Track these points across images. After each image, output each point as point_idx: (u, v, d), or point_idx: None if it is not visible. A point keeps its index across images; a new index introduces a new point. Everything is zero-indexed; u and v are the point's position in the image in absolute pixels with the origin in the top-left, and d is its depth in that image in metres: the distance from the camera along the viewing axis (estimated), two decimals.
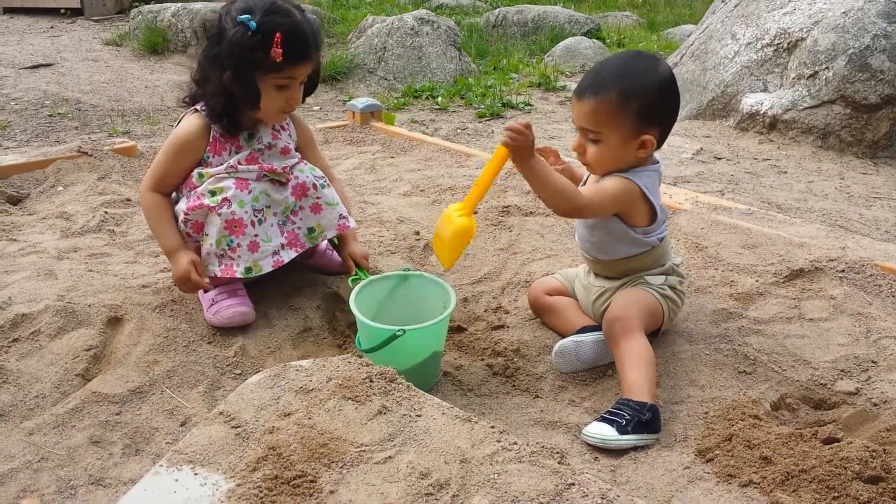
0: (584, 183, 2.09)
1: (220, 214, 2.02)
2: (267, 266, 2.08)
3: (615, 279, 2.05)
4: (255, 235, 2.06)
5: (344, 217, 2.22)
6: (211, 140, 2.09)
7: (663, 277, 2.03)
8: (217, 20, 2.01)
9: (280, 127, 2.19)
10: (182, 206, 2.08)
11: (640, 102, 1.84)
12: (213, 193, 2.03)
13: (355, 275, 2.20)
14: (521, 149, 1.77)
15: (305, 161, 2.22)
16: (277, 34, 1.92)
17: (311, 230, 2.17)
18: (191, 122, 2.09)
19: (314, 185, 2.16)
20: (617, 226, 1.96)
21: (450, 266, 1.89)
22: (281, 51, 1.92)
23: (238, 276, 2.05)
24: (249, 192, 2.05)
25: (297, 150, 2.23)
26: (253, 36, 1.92)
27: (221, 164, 2.08)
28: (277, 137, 2.16)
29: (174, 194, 2.16)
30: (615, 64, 1.91)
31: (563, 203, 1.86)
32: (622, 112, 1.84)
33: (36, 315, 2.04)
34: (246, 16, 1.93)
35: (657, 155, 2.01)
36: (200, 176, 2.08)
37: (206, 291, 2.13)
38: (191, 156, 2.10)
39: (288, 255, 2.13)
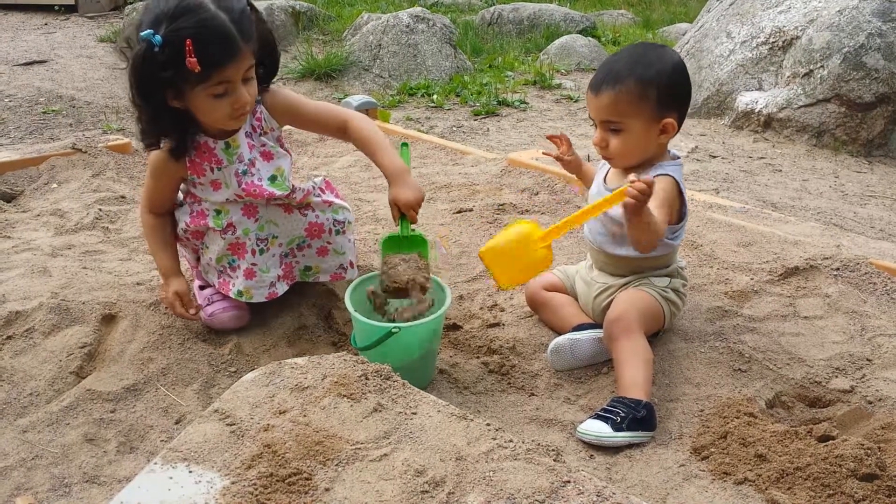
0: (605, 178, 2.07)
1: (224, 238, 1.98)
2: (259, 297, 2.04)
3: (619, 276, 2.05)
4: (254, 264, 2.01)
5: (343, 268, 2.16)
6: (188, 163, 1.94)
7: (668, 280, 2.03)
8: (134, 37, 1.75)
9: (251, 128, 1.97)
10: (184, 216, 2.02)
11: (657, 87, 1.86)
12: (217, 213, 1.97)
13: (398, 224, 1.94)
14: (644, 201, 1.72)
15: (334, 203, 2.12)
16: (187, 41, 1.67)
17: (307, 268, 2.13)
18: (157, 152, 1.94)
19: (330, 230, 2.10)
20: None
21: (506, 288, 1.77)
22: (196, 59, 1.68)
23: (231, 295, 2.03)
24: (256, 220, 1.98)
25: (292, 123, 2.09)
26: (161, 51, 1.68)
27: (209, 184, 1.96)
28: (253, 146, 1.98)
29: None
30: (627, 55, 1.93)
31: (656, 240, 1.84)
32: (642, 99, 1.86)
33: (30, 312, 2.03)
34: (149, 31, 1.68)
35: (674, 150, 2.02)
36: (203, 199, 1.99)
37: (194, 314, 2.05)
38: (169, 179, 1.99)
39: (282, 288, 2.08)
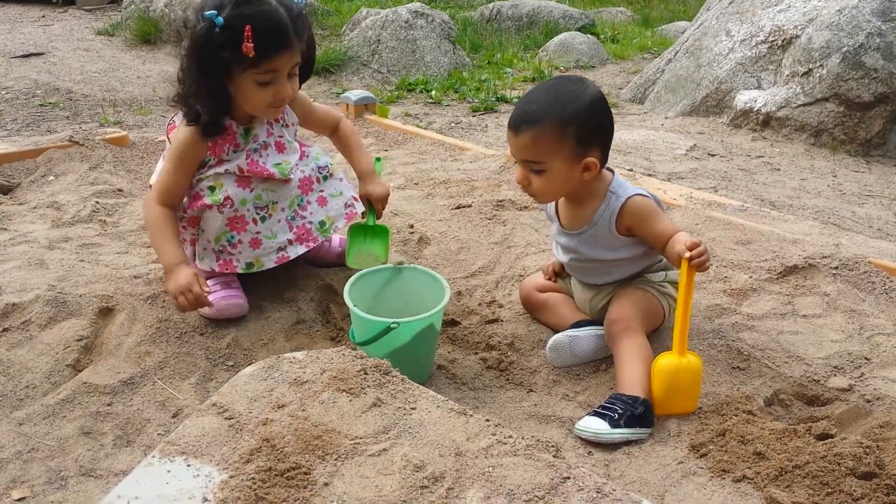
0: (559, 216, 2.04)
1: (222, 212, 1.98)
2: (269, 262, 2.05)
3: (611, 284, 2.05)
4: (258, 233, 2.03)
5: (350, 205, 2.21)
6: (211, 143, 2.01)
7: (663, 274, 2.02)
8: (193, 18, 1.90)
9: (273, 119, 2.10)
10: (182, 201, 2.05)
11: (576, 126, 1.81)
12: (212, 189, 1.98)
13: (363, 221, 2.21)
14: (708, 257, 1.78)
15: (308, 152, 2.18)
16: (247, 27, 1.79)
17: (322, 223, 2.15)
18: (185, 131, 1.99)
19: (317, 179, 2.15)
20: (638, 247, 1.97)
21: (694, 408, 1.80)
22: (252, 45, 1.80)
23: (238, 271, 2.03)
24: (251, 190, 2.01)
25: (300, 121, 2.20)
26: (222, 32, 1.81)
27: (217, 162, 2.02)
28: (271, 133, 2.09)
29: None
30: (545, 92, 1.87)
31: None
32: (561, 138, 1.81)
33: (26, 305, 2.02)
34: (212, 11, 1.81)
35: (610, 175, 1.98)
36: (199, 180, 2.02)
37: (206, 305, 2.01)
38: (194, 164, 2.02)
39: (296, 251, 2.09)
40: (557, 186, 1.89)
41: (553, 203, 2.05)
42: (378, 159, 2.33)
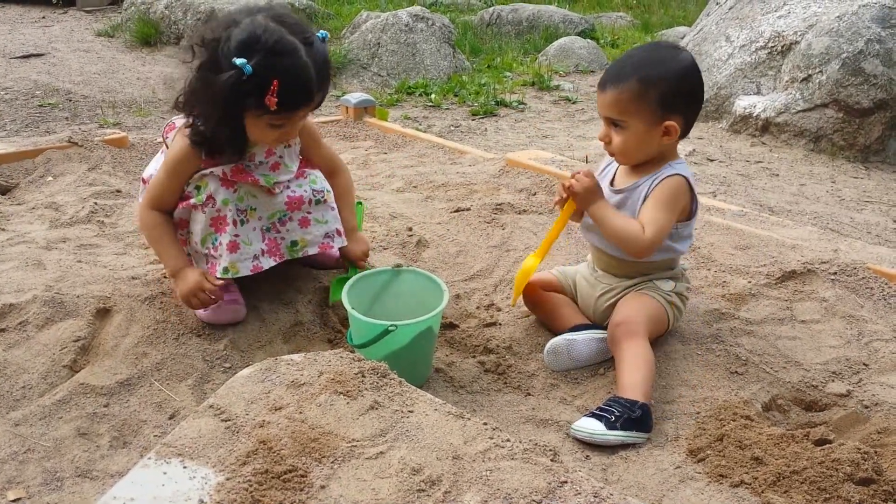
0: (612, 181, 2.05)
1: (205, 212, 1.97)
2: (245, 270, 2.02)
3: (624, 278, 2.04)
4: (236, 235, 2.00)
5: (329, 236, 2.16)
6: (204, 156, 1.98)
7: (673, 283, 2.02)
8: (215, 45, 1.85)
9: None
10: None
11: (660, 89, 1.86)
12: (197, 188, 1.98)
13: (346, 273, 2.22)
14: (586, 194, 1.83)
15: (308, 173, 2.16)
16: (275, 81, 1.78)
17: (294, 243, 2.12)
18: (182, 143, 1.97)
19: (309, 201, 2.11)
20: None
21: (513, 304, 2.12)
22: (276, 99, 1.79)
23: (218, 275, 2.00)
24: (234, 190, 1.99)
25: (301, 150, 2.16)
26: (248, 80, 1.78)
27: (208, 167, 1.99)
28: (272, 153, 2.06)
29: None
30: (636, 54, 1.96)
31: (630, 248, 1.91)
32: (643, 99, 1.87)
33: (24, 305, 2.01)
34: (242, 59, 1.77)
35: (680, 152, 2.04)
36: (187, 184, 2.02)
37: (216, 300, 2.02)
38: (187, 175, 2.00)
39: (267, 263, 2.06)
40: (636, 146, 1.93)
41: (614, 164, 2.07)
42: (360, 203, 2.36)
